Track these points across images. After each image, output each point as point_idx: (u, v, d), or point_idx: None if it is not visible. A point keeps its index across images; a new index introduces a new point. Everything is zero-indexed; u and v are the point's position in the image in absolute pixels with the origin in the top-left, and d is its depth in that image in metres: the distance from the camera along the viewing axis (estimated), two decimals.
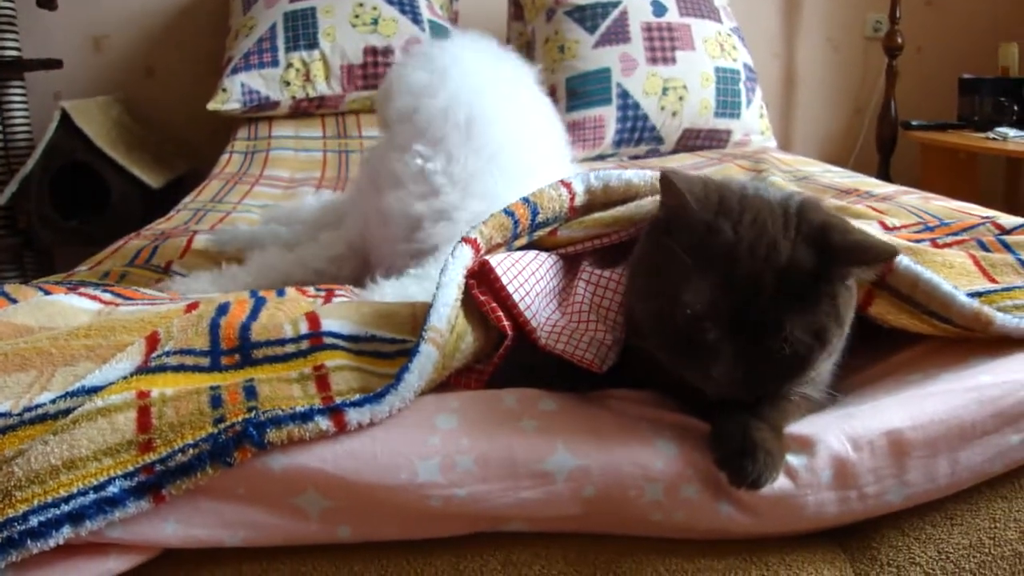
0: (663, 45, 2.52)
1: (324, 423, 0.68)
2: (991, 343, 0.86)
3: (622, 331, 0.82)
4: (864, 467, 0.73)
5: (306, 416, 0.68)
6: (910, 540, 0.76)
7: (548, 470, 0.70)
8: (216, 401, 0.71)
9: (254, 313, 0.85)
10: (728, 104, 2.55)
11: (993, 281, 0.95)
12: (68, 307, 0.95)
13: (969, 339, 0.85)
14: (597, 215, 0.88)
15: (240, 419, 0.68)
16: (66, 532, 0.64)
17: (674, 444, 0.72)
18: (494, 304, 0.79)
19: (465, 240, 0.81)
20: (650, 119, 2.49)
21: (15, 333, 0.87)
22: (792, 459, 0.72)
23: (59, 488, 0.65)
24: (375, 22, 2.51)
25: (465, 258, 0.79)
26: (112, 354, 0.80)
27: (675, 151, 2.55)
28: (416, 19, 2.54)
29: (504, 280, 0.79)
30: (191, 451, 0.67)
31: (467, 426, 0.71)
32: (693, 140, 2.55)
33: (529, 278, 0.82)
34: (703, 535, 0.73)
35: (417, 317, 0.84)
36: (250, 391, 0.71)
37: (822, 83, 3.23)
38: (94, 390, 0.74)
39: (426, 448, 0.69)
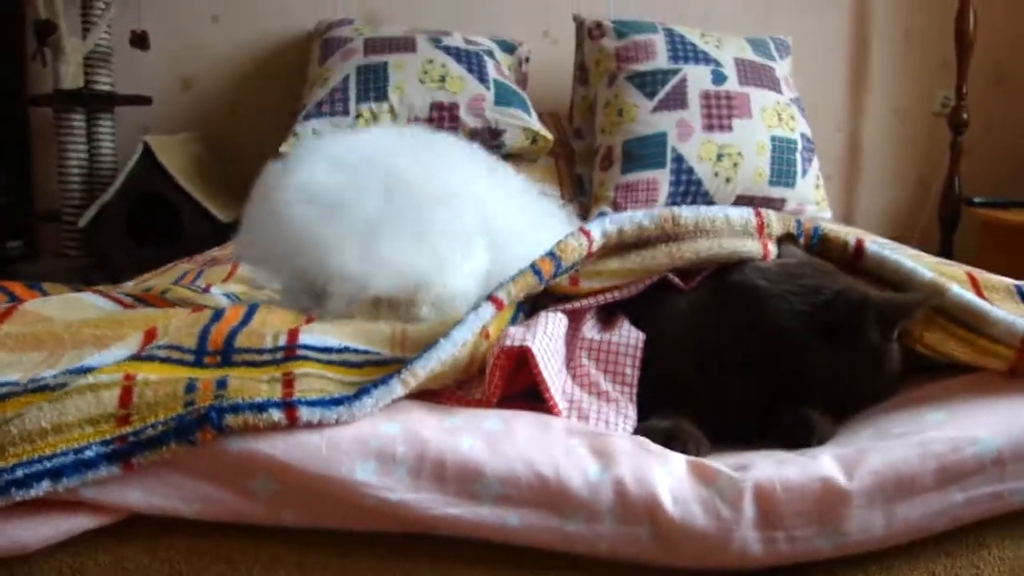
0: (720, 113, 2.56)
1: (277, 415, 0.75)
2: (947, 397, 0.88)
3: (635, 396, 0.88)
4: (792, 509, 0.74)
5: (262, 407, 0.75)
6: None
7: (476, 491, 0.74)
8: (190, 388, 0.78)
9: (246, 319, 0.92)
10: (783, 173, 2.56)
11: (982, 299, 0.95)
12: (90, 304, 1.05)
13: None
14: (616, 265, 0.94)
15: (206, 404, 0.75)
16: (45, 485, 0.73)
17: (601, 467, 0.75)
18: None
19: (491, 299, 0.87)
20: (703, 184, 2.52)
21: (37, 320, 0.96)
22: (716, 495, 0.74)
23: (45, 448, 0.74)
24: (443, 79, 2.62)
25: (485, 316, 0.86)
26: (114, 343, 0.88)
27: None
28: (482, 78, 2.64)
29: (541, 366, 0.83)
30: (160, 427, 0.75)
31: (407, 435, 0.76)
32: (746, 206, 2.56)
33: (555, 356, 0.87)
34: (625, 562, 0.75)
35: (395, 337, 0.89)
36: (221, 383, 0.79)
37: (887, 157, 3.22)
38: (90, 369, 0.82)
39: (366, 449, 0.75)
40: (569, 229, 0.95)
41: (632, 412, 0.86)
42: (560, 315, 0.91)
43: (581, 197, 2.69)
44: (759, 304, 0.88)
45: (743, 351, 0.88)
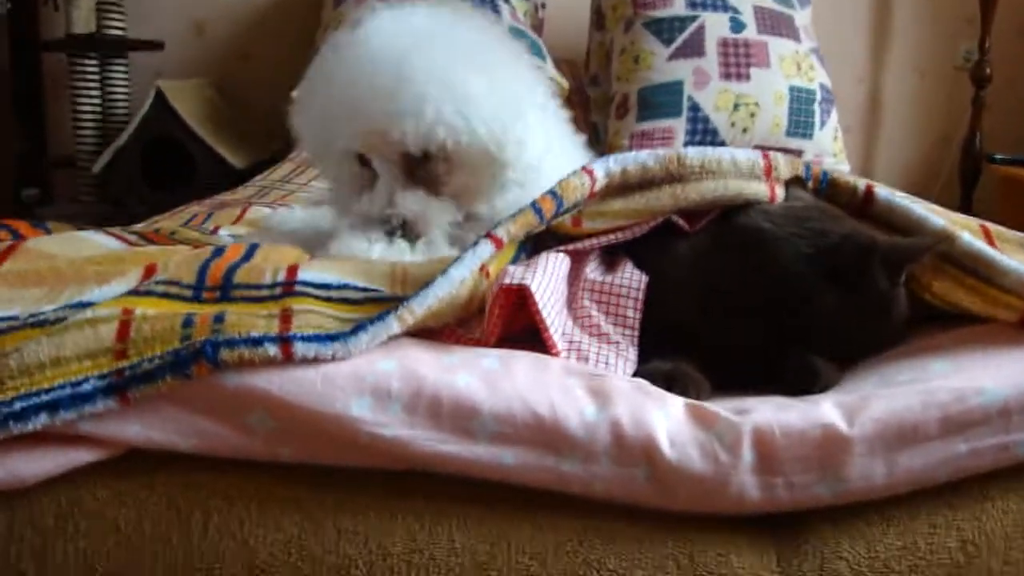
0: (738, 61, 2.51)
1: (272, 350, 0.75)
2: (955, 346, 0.87)
3: (636, 339, 0.87)
4: (791, 455, 0.73)
5: (257, 341, 0.75)
6: (839, 533, 0.75)
7: (471, 429, 0.74)
8: (188, 322, 0.78)
9: (247, 256, 0.91)
10: (801, 124, 2.53)
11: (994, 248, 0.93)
12: (93, 242, 1.05)
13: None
14: (619, 205, 0.93)
15: (202, 339, 0.75)
16: (43, 419, 0.73)
17: (598, 408, 0.74)
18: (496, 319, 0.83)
19: (490, 236, 0.86)
20: (720, 134, 2.49)
21: (39, 257, 0.96)
22: (714, 439, 0.74)
23: (43, 381, 0.74)
24: None
25: (484, 254, 0.85)
26: (115, 279, 0.88)
27: None
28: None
29: (540, 305, 0.82)
30: (156, 361, 0.75)
31: (404, 372, 0.76)
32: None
33: (555, 296, 0.86)
34: (621, 503, 0.75)
35: (396, 274, 0.89)
36: (219, 318, 0.78)
37: (908, 111, 3.17)
38: (89, 304, 0.82)
39: (361, 385, 0.74)
40: None
41: (633, 354, 0.85)
42: (562, 255, 0.90)
43: (596, 145, 2.66)
44: (763, 247, 0.87)
45: (747, 294, 0.87)
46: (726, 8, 2.58)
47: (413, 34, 1.08)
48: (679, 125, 2.48)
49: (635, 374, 0.84)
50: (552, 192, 0.88)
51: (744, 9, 2.58)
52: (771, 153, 0.97)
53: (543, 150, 1.14)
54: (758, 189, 0.93)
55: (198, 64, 3.06)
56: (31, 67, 3.01)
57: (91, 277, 0.89)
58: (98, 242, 1.06)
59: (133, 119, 2.66)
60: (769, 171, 0.95)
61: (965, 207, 2.86)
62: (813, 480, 0.74)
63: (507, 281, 0.81)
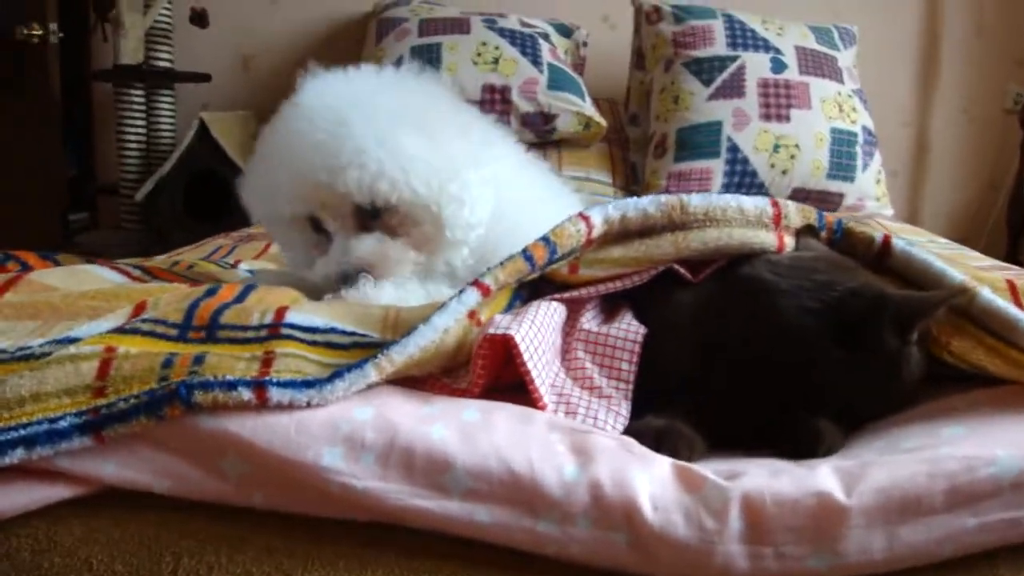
0: (778, 102, 2.48)
1: (247, 394, 0.73)
2: (970, 410, 0.82)
3: (631, 394, 0.84)
4: (783, 525, 0.69)
5: (232, 385, 0.73)
6: None
7: (444, 484, 0.71)
8: (167, 363, 0.77)
9: (240, 297, 0.90)
10: (842, 167, 2.48)
11: (1020, 307, 0.88)
12: (96, 276, 1.05)
13: None
14: (618, 253, 0.90)
15: (178, 380, 0.74)
16: (19, 453, 0.73)
17: (579, 466, 0.71)
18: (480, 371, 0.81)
19: (476, 283, 0.84)
20: (759, 175, 2.45)
21: (41, 290, 0.97)
22: (700, 504, 0.70)
23: (22, 416, 0.74)
24: (496, 61, 2.59)
25: (469, 302, 0.83)
26: (105, 315, 0.88)
27: None
28: (536, 61, 2.60)
29: (526, 356, 0.80)
30: (132, 401, 0.74)
31: (379, 421, 0.73)
32: (803, 200, 2.44)
33: (545, 346, 0.83)
34: (600, 568, 0.71)
35: (388, 319, 0.87)
36: (199, 359, 0.77)
37: (955, 155, 3.09)
38: (75, 340, 0.82)
39: (335, 434, 0.72)
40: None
41: (625, 410, 0.82)
42: (556, 304, 0.87)
43: (634, 185, 2.64)
44: (765, 299, 0.83)
45: (748, 350, 0.83)
46: (767, 48, 2.55)
47: (352, 94, 1.08)
48: (717, 166, 2.45)
49: (626, 431, 0.81)
50: (545, 239, 0.86)
51: (786, 49, 2.56)
52: (781, 201, 0.93)
53: (487, 212, 1.11)
54: (765, 239, 0.90)
55: (244, 97, 3.11)
56: (81, 95, 3.09)
57: (83, 312, 0.89)
58: (100, 276, 1.06)
59: (177, 149, 2.70)
60: (778, 220, 0.91)
61: (1011, 255, 2.78)
62: (806, 552, 0.69)
63: (491, 330, 0.78)
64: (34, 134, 2.92)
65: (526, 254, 0.85)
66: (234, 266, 1.48)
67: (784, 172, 2.45)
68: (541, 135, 2.57)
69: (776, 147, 2.45)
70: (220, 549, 0.74)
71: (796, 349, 0.82)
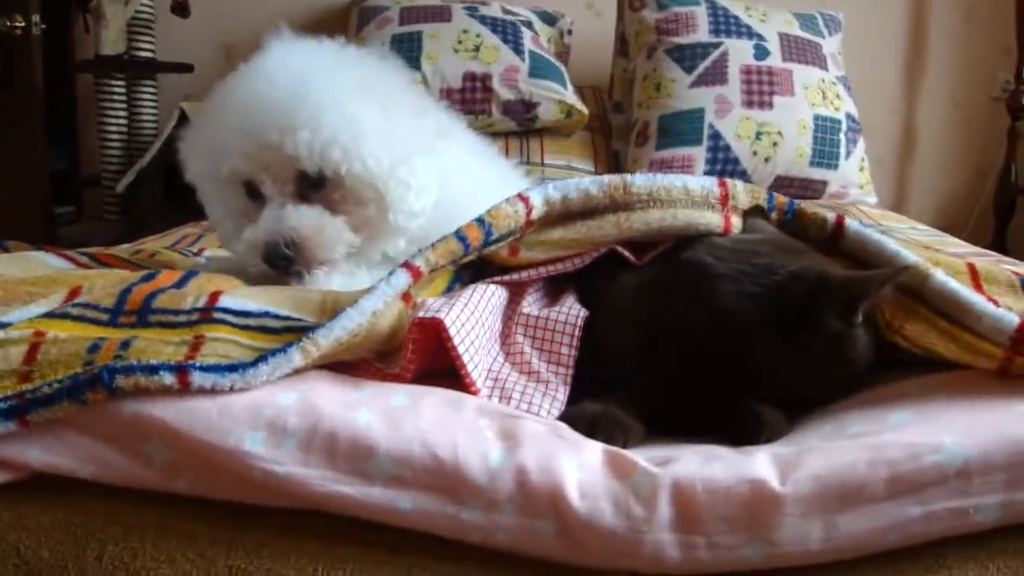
0: (761, 89, 2.46)
1: (169, 378, 0.72)
2: (922, 395, 0.80)
3: (571, 379, 0.82)
4: (714, 513, 0.67)
5: (154, 369, 0.72)
6: None
7: (367, 470, 0.69)
8: (94, 348, 0.76)
9: (180, 283, 0.89)
10: (825, 154, 2.46)
11: (979, 291, 0.86)
12: (42, 262, 1.04)
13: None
14: (559, 234, 0.88)
15: (102, 364, 0.72)
16: None
17: (505, 452, 0.70)
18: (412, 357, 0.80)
19: (407, 265, 0.82)
20: (741, 163, 2.43)
21: None
22: (629, 491, 0.68)
23: None
24: (476, 49, 2.57)
25: (399, 285, 0.80)
26: (40, 300, 0.86)
27: None
28: (518, 49, 2.58)
29: (457, 340, 0.78)
30: (56, 386, 0.73)
31: (303, 406, 0.72)
32: (786, 188, 2.46)
33: (478, 331, 0.81)
34: (527, 556, 0.69)
35: (326, 304, 0.85)
36: (125, 344, 0.76)
37: (942, 143, 3.07)
38: (6, 325, 0.80)
39: (257, 419, 0.71)
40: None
41: (563, 395, 0.80)
42: (494, 287, 0.86)
43: (616, 173, 2.62)
44: (705, 284, 0.81)
45: (690, 335, 0.81)
46: (751, 35, 2.53)
47: (312, 62, 1.06)
48: (699, 153, 2.43)
49: (562, 416, 0.79)
50: (480, 220, 0.84)
51: (769, 36, 2.53)
52: (729, 181, 0.91)
53: (431, 202, 1.09)
54: (711, 219, 0.88)
55: None
56: (65, 87, 3.07)
57: (21, 298, 0.88)
58: (45, 262, 1.05)
59: (157, 140, 2.68)
60: (725, 200, 0.89)
61: (999, 242, 2.76)
62: (740, 542, 0.67)
63: (421, 314, 0.77)
64: (18, 127, 2.90)
65: (459, 235, 0.83)
66: (197, 254, 1.46)
67: (767, 159, 2.43)
68: (523, 123, 2.56)
69: (758, 134, 2.43)
70: (145, 536, 0.73)
71: (736, 335, 0.80)
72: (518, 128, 2.57)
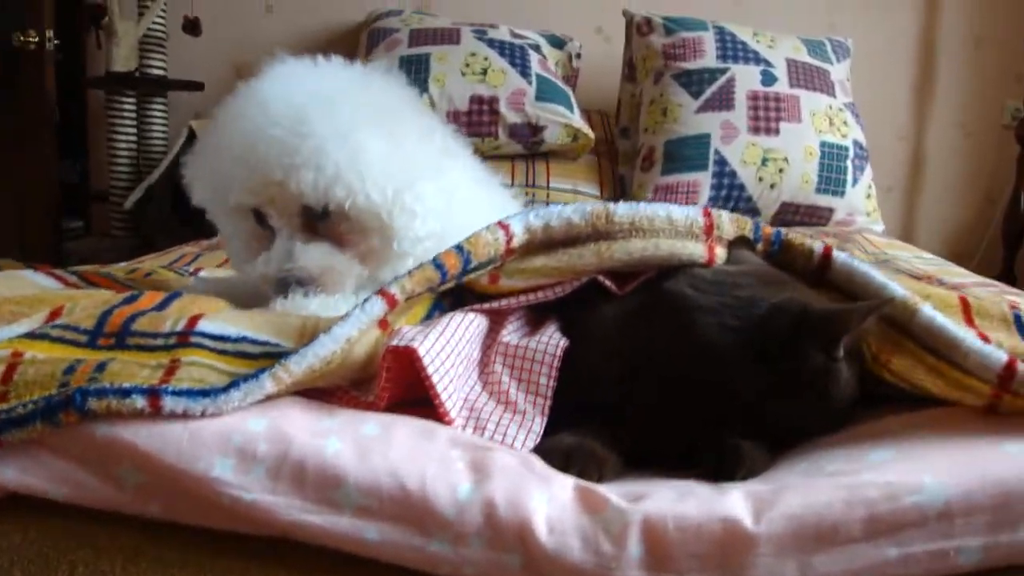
0: (767, 115, 2.45)
1: (140, 402, 0.72)
2: (905, 432, 0.79)
3: (549, 409, 0.81)
4: (686, 551, 0.65)
5: (126, 392, 0.72)
6: None
7: (335, 499, 0.69)
8: (70, 370, 0.75)
9: (161, 305, 0.88)
10: (832, 181, 2.45)
11: (970, 326, 0.85)
12: (28, 281, 1.04)
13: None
14: (540, 263, 0.87)
15: (76, 386, 0.72)
16: None
17: (474, 485, 0.69)
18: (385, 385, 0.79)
19: (381, 293, 0.81)
20: (746, 189, 2.43)
21: None
22: (599, 527, 0.67)
23: None
24: (484, 72, 2.57)
25: (373, 312, 0.80)
26: (22, 320, 0.87)
27: (771, 225, 2.47)
28: (525, 72, 2.59)
29: (431, 369, 0.77)
30: (30, 406, 0.73)
31: (273, 433, 0.72)
32: (791, 215, 2.46)
33: (454, 360, 0.80)
34: None
35: (306, 329, 0.85)
36: (101, 366, 0.75)
37: (952, 171, 3.05)
38: None
39: (227, 445, 0.71)
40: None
41: (538, 426, 0.80)
42: (473, 315, 0.85)
43: (623, 198, 2.61)
44: (686, 317, 0.80)
45: (669, 367, 0.80)
46: (758, 61, 2.53)
47: (314, 89, 1.04)
48: (704, 179, 2.42)
49: (537, 448, 0.78)
50: (459, 247, 0.83)
51: (777, 62, 2.53)
52: (715, 211, 0.90)
53: (439, 226, 1.08)
54: (694, 250, 0.87)
55: None
56: (77, 102, 3.10)
57: (3, 316, 0.88)
58: (32, 281, 1.05)
59: (166, 157, 2.71)
60: (710, 230, 0.89)
61: (1007, 271, 2.73)
62: None
63: (395, 342, 0.76)
64: (29, 140, 2.93)
65: (436, 262, 0.82)
66: (193, 274, 1.46)
67: (772, 186, 2.42)
68: (529, 147, 2.56)
69: (764, 160, 2.42)
70: (115, 559, 0.73)
71: (716, 367, 0.79)
72: (524, 151, 2.57)
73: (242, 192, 1.02)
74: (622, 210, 0.87)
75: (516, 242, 0.85)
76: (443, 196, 1.09)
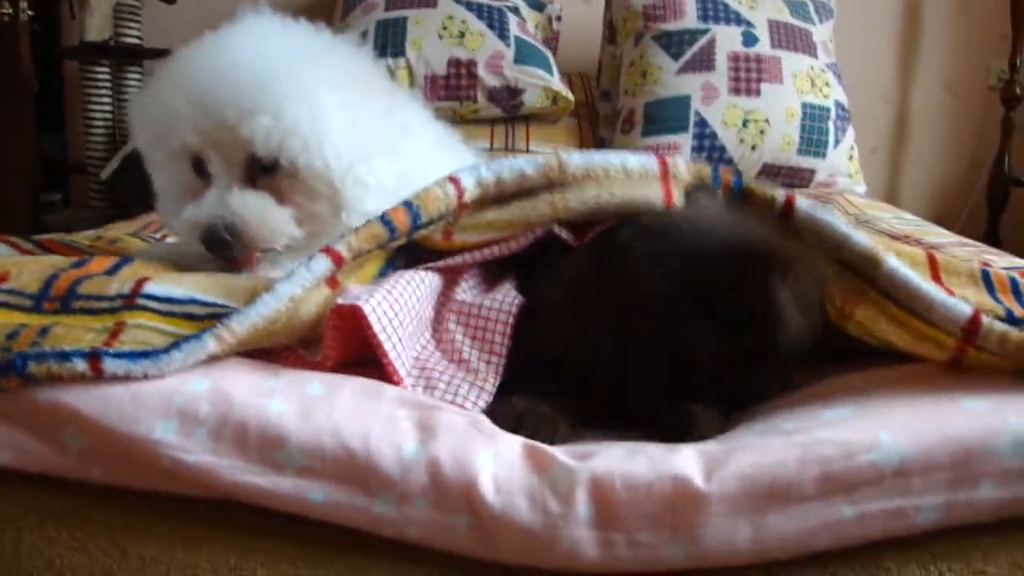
0: (748, 76, 2.42)
1: (81, 365, 0.70)
2: (867, 389, 0.78)
3: (503, 368, 0.79)
4: (635, 510, 0.64)
5: (66, 356, 0.70)
6: None
7: (278, 460, 0.68)
8: (14, 335, 0.74)
9: (112, 270, 0.87)
10: (813, 142, 2.42)
11: (937, 283, 0.84)
12: None
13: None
14: (493, 216, 0.85)
15: (17, 351, 0.71)
16: None
17: (419, 444, 0.68)
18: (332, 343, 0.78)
19: (327, 251, 0.79)
20: (727, 151, 2.40)
21: None
22: (547, 486, 0.66)
23: None
24: (462, 35, 2.54)
25: (319, 270, 0.78)
26: None
27: None
28: (503, 35, 2.55)
29: (378, 328, 0.76)
30: None
31: (215, 395, 0.70)
32: (773, 176, 2.43)
33: (403, 318, 0.79)
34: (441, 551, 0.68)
35: (256, 289, 0.83)
36: (45, 330, 0.74)
37: (937, 132, 3.02)
38: None
39: (169, 407, 0.69)
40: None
41: (492, 385, 0.78)
42: (424, 273, 0.83)
43: None
44: (632, 268, 0.79)
45: (617, 324, 0.79)
46: (739, 21, 2.49)
47: (282, 45, 1.02)
48: (685, 141, 2.40)
49: (488, 410, 0.77)
50: (407, 203, 0.81)
51: (758, 23, 2.50)
52: (670, 158, 0.88)
53: (385, 205, 1.06)
54: (651, 195, 0.85)
55: None
56: (52, 73, 3.05)
57: None
58: None
59: None
60: (665, 176, 0.86)
61: (991, 232, 2.72)
62: (662, 540, 0.65)
63: (340, 301, 0.75)
64: (6, 113, 2.89)
65: (384, 219, 0.80)
66: (160, 240, 1.44)
67: (753, 147, 2.40)
68: (508, 110, 2.53)
69: (745, 122, 2.39)
70: (61, 524, 0.72)
71: (660, 321, 0.77)
72: (504, 115, 2.54)
73: (189, 131, 0.98)
74: (576, 159, 0.85)
75: (468, 196, 0.83)
76: (395, 177, 1.06)
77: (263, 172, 1.00)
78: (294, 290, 0.75)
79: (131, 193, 2.67)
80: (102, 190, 2.80)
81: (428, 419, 0.70)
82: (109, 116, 2.81)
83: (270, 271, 1.00)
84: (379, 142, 1.05)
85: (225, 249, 0.98)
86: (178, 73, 1.02)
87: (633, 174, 0.85)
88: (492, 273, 0.90)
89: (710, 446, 0.71)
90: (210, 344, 0.72)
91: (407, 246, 0.85)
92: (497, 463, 0.67)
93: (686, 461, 0.67)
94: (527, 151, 2.51)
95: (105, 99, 2.80)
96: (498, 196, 0.84)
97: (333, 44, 1.11)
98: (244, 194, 0.99)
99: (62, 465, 0.72)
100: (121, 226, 1.60)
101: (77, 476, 0.72)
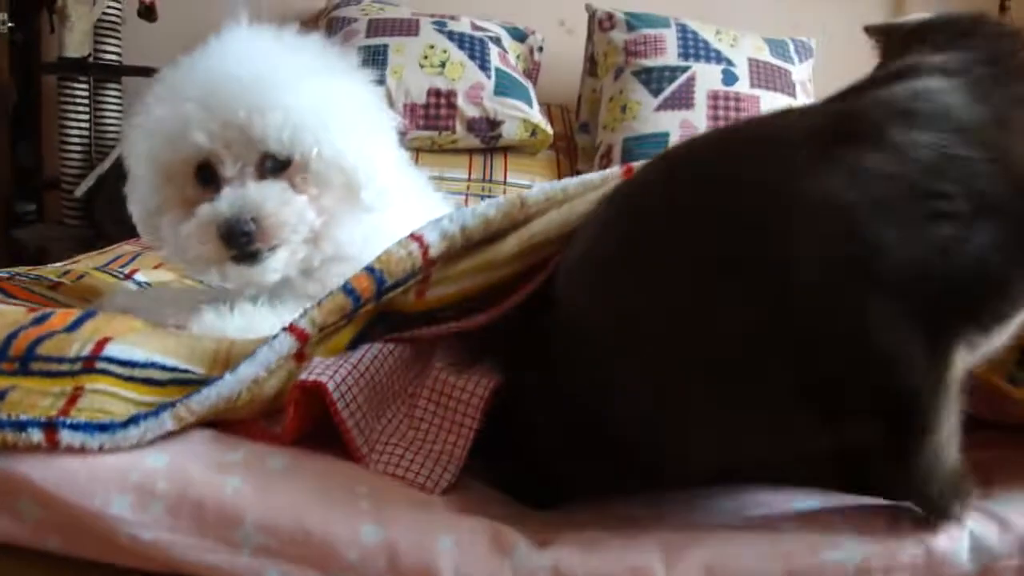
0: (727, 115, 2.44)
1: (37, 436, 0.69)
2: None
3: (466, 452, 0.78)
4: None
5: (22, 426, 0.69)
6: None
7: (234, 539, 0.67)
8: None
9: (73, 325, 0.85)
10: None
11: None
12: None
13: None
14: (465, 265, 0.84)
15: None
16: None
17: (377, 530, 0.67)
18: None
19: (291, 328, 0.78)
20: None
21: None
22: (508, 573, 0.66)
23: None
24: (442, 64, 2.54)
25: (282, 350, 0.77)
26: None
27: None
28: (484, 66, 2.55)
29: (341, 405, 0.75)
30: None
31: (172, 471, 0.70)
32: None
33: (369, 393, 0.77)
34: None
35: (219, 354, 0.82)
36: (2, 395, 0.73)
37: None
38: None
39: (125, 482, 0.69)
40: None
41: (455, 467, 0.77)
42: (393, 345, 0.82)
43: None
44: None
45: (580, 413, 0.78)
46: (719, 59, 2.51)
47: (282, 46, 1.04)
48: None
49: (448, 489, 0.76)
50: (370, 268, 0.80)
51: (738, 61, 2.52)
52: (635, 164, 0.87)
53: (392, 184, 1.08)
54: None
55: None
56: (31, 87, 3.03)
57: None
58: None
59: (119, 145, 2.65)
60: (629, 172, 0.85)
61: None
62: None
63: (303, 376, 0.74)
64: None
65: (347, 288, 0.79)
66: (128, 276, 1.42)
67: None
68: (487, 141, 2.53)
69: None
70: None
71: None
72: (482, 145, 2.54)
73: (201, 133, 0.97)
74: (534, 193, 0.84)
75: (434, 252, 0.81)
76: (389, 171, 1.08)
77: (275, 169, 1.02)
78: (258, 372, 0.74)
79: (105, 213, 2.65)
80: (76, 207, 2.77)
81: (388, 499, 0.69)
82: (86, 133, 2.79)
83: (220, 322, 0.98)
84: (380, 156, 1.07)
85: (247, 240, 0.98)
86: (183, 79, 1.02)
87: (593, 183, 0.84)
88: (472, 340, 0.87)
89: (671, 534, 0.70)
90: (168, 423, 0.71)
91: (385, 313, 0.84)
92: (457, 548, 0.66)
93: (647, 552, 0.67)
94: (505, 183, 2.51)
95: (82, 115, 2.78)
96: (467, 246, 0.83)
97: (332, 56, 1.13)
98: (261, 185, 1.00)
99: (17, 534, 0.71)
100: (90, 259, 1.58)
101: (33, 546, 0.71)
